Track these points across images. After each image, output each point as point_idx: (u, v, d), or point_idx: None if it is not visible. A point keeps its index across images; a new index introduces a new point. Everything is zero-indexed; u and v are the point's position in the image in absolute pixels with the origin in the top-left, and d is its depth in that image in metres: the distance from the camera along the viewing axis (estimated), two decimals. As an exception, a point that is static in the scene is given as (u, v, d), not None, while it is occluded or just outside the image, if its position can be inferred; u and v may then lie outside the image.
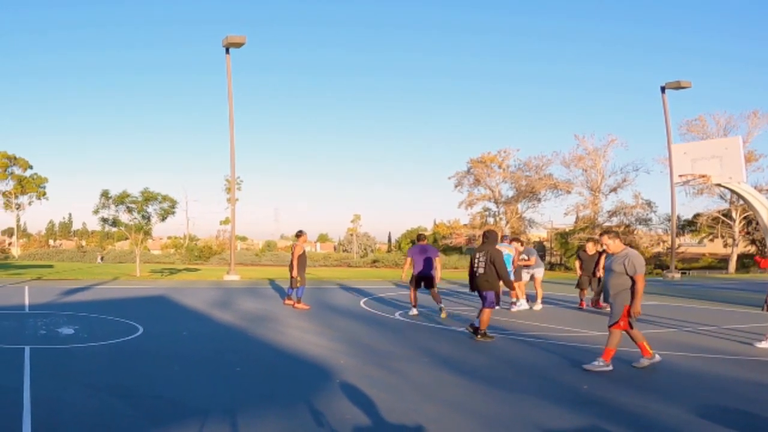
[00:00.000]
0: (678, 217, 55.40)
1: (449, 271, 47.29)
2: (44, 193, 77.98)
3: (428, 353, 12.56)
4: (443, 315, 17.67)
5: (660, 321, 18.00)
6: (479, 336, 14.22)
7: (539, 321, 17.73)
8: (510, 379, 10.49)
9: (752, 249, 66.39)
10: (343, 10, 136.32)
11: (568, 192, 64.29)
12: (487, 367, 11.40)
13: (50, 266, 44.72)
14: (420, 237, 19.98)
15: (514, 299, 20.49)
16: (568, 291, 29.54)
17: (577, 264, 22.24)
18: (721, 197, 61.40)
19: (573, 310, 21.23)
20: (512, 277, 18.87)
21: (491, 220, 69.59)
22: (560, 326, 16.80)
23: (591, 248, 21.78)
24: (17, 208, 77.18)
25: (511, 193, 67.61)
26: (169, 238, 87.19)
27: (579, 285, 22.03)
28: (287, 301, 20.58)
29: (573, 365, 11.73)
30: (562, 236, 68.02)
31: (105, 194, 35.17)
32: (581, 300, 21.80)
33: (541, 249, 79.07)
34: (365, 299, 23.33)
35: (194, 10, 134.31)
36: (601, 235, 12.48)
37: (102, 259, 66.07)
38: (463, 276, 24.10)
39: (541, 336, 15.10)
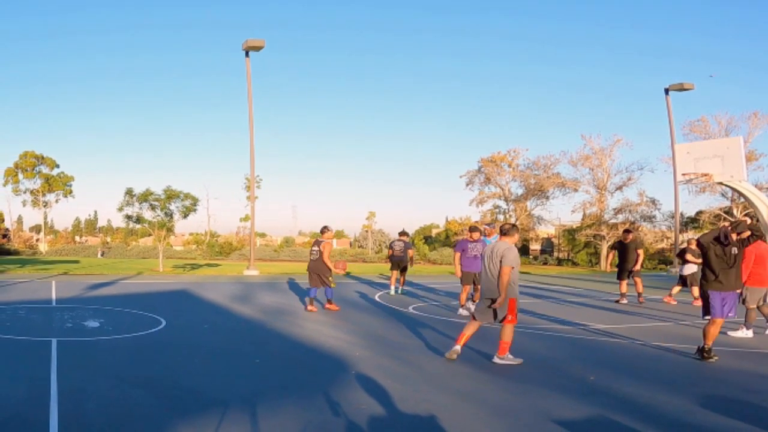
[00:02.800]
0: (681, 214, 55.03)
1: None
2: (70, 191, 78.14)
3: (440, 345, 12.51)
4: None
5: (664, 315, 17.94)
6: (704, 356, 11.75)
7: (547, 314, 17.70)
8: (519, 370, 10.47)
9: (753, 245, 65.91)
10: (358, 14, 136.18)
11: (576, 190, 64.08)
12: (497, 359, 11.38)
13: (76, 262, 44.76)
14: (472, 229, 18.55)
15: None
16: (575, 285, 29.54)
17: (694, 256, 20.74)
18: (723, 195, 61.01)
19: (579, 305, 21.16)
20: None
21: (501, 217, 69.42)
22: (568, 319, 16.76)
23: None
24: (44, 206, 77.28)
25: (520, 191, 67.48)
26: (190, 234, 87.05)
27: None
28: (328, 305, 18.00)
29: (580, 357, 11.71)
30: (570, 233, 67.75)
31: (129, 192, 35.26)
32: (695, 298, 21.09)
33: (549, 245, 79.03)
34: (380, 293, 23.33)
35: (215, 15, 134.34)
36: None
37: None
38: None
39: (550, 329, 15.09)
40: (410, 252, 23.57)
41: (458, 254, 17.86)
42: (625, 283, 21.59)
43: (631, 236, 21.92)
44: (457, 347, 11.24)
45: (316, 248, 18.04)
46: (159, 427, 6.94)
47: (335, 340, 12.92)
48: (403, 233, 24.23)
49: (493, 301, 10.95)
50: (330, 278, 17.92)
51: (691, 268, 21.33)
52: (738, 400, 8.79)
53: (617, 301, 21.43)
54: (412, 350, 12.04)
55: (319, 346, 12.33)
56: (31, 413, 7.30)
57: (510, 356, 11.05)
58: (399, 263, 23.51)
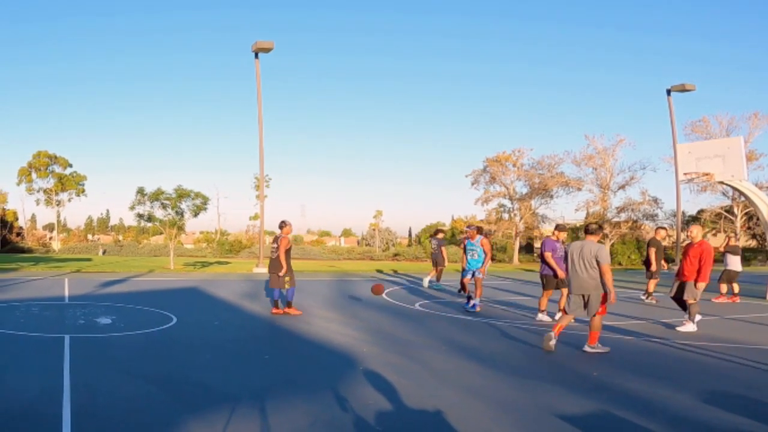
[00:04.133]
0: (683, 213, 54.95)
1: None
2: (83, 190, 78.08)
3: (447, 342, 12.53)
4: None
5: (666, 311, 17.91)
6: None
7: (552, 311, 17.67)
8: (525, 366, 10.46)
9: (753, 243, 66.15)
10: (365, 17, 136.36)
11: (579, 189, 63.80)
12: (503, 355, 11.37)
13: (89, 259, 44.82)
14: (560, 228, 16.56)
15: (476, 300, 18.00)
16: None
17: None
18: (724, 194, 60.95)
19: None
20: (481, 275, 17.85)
21: (506, 216, 69.38)
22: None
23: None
24: (57, 205, 77.20)
25: (524, 190, 67.17)
26: (201, 232, 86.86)
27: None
28: (275, 310, 16.41)
29: (584, 353, 11.68)
30: (573, 231, 67.59)
31: (141, 191, 35.29)
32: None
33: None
34: (387, 290, 23.29)
35: (226, 18, 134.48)
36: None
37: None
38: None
39: (553, 325, 15.06)
40: (442, 249, 24.24)
41: (549, 254, 15.99)
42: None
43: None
44: (553, 335, 11.85)
45: (275, 245, 16.40)
46: (170, 422, 6.94)
47: (343, 337, 12.91)
48: (437, 231, 25.47)
49: (587, 296, 11.75)
50: (287, 278, 16.12)
51: (736, 265, 21.59)
52: (739, 395, 8.76)
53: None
54: (418, 347, 12.01)
55: (328, 342, 12.32)
56: (44, 407, 7.30)
57: (599, 345, 11.81)
58: (433, 259, 25.08)
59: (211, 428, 6.76)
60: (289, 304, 16.31)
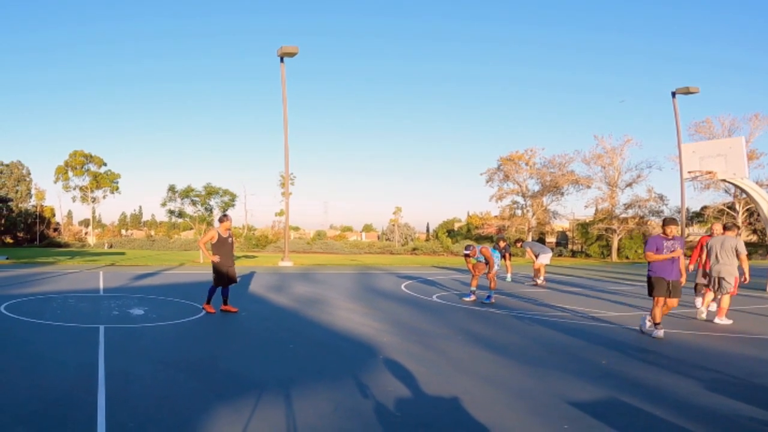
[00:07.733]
0: (687, 209, 54.68)
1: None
2: (117, 188, 78.54)
3: (463, 332, 12.51)
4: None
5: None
6: None
7: (563, 303, 17.62)
8: (537, 355, 10.41)
9: (754, 238, 65.95)
10: (386, 23, 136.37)
11: (588, 187, 63.78)
12: (516, 345, 11.32)
13: (122, 254, 45.05)
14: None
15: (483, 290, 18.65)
16: (586, 276, 29.37)
17: None
18: (726, 191, 60.77)
19: (591, 295, 21.03)
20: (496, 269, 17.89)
21: (519, 212, 69.38)
22: (582, 308, 16.68)
23: None
24: (93, 201, 77.66)
25: (537, 188, 67.12)
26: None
27: None
28: (224, 307, 14.79)
29: (593, 343, 11.63)
30: (583, 226, 67.54)
31: (172, 189, 35.49)
32: None
33: (564, 238, 78.74)
34: (406, 283, 23.30)
35: (252, 23, 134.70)
36: None
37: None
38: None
39: (564, 317, 15.01)
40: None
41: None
42: None
43: None
44: (704, 309, 14.91)
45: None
46: (200, 408, 6.94)
47: (364, 327, 12.90)
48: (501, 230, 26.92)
49: (724, 279, 14.18)
50: (213, 277, 14.82)
51: None
52: (741, 383, 8.71)
53: None
54: (436, 336, 11.99)
55: (350, 332, 12.32)
56: (80, 395, 7.31)
57: (725, 318, 14.32)
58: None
59: (238, 414, 6.76)
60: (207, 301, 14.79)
